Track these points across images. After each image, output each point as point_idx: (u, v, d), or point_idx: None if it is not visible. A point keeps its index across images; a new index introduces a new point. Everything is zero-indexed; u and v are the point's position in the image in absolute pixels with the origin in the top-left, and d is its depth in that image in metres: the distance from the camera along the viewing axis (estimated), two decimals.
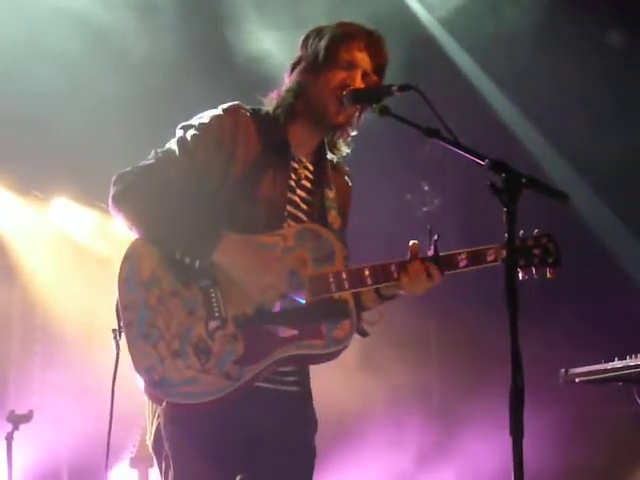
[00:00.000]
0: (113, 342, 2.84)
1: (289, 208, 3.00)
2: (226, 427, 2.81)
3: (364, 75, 2.99)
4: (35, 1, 6.29)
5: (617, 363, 4.87)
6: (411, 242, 2.97)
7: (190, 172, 2.87)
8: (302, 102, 3.01)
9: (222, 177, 2.91)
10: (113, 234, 7.24)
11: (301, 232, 2.93)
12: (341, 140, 3.11)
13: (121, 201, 2.84)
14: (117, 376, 2.95)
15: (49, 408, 7.10)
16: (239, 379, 2.74)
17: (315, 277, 2.86)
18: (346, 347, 2.87)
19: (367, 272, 2.91)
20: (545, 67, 7.29)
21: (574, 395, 6.67)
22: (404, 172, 8.03)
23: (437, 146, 2.71)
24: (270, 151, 2.98)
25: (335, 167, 3.19)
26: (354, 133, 3.10)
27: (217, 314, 2.78)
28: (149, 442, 2.92)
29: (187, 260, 2.78)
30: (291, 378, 2.97)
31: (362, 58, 2.99)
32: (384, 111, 2.85)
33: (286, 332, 2.81)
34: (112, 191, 2.85)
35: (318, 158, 3.12)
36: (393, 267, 2.93)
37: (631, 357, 4.88)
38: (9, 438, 5.62)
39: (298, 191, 3.04)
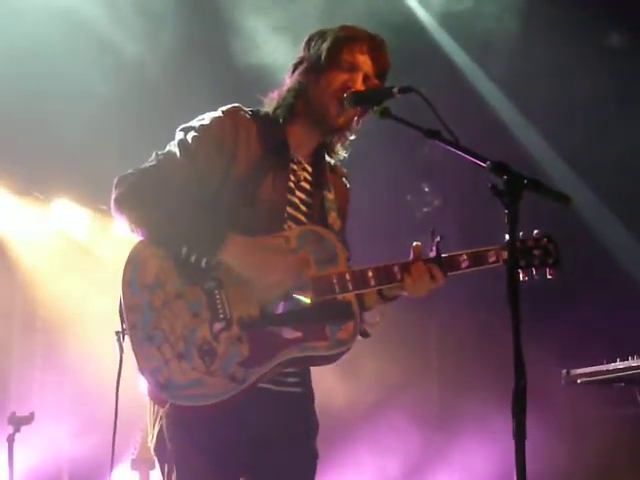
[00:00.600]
0: (117, 344, 2.84)
1: (289, 210, 3.00)
2: (229, 429, 2.81)
3: (365, 78, 2.99)
4: (36, 2, 6.28)
5: (619, 364, 4.87)
6: (414, 243, 2.98)
7: (191, 174, 2.87)
8: (302, 102, 3.02)
9: (223, 178, 2.91)
10: (114, 236, 7.24)
11: (303, 234, 2.93)
12: (339, 144, 3.11)
13: (123, 203, 2.84)
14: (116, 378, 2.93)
15: (50, 410, 7.09)
16: (244, 381, 2.74)
17: (318, 278, 2.86)
18: (349, 349, 2.87)
19: (370, 273, 2.91)
20: (545, 67, 7.29)
21: (576, 396, 6.66)
22: (404, 173, 8.04)
23: (437, 147, 2.71)
24: (270, 152, 2.98)
25: (333, 169, 3.20)
26: (352, 137, 3.10)
27: (222, 316, 2.78)
28: (151, 444, 2.92)
29: (193, 258, 2.78)
30: (293, 379, 2.97)
31: (364, 61, 3.00)
32: (385, 113, 2.85)
33: (290, 334, 2.81)
34: (114, 193, 2.85)
35: (316, 160, 3.12)
36: (396, 268, 2.94)
37: (633, 358, 4.88)
38: (10, 440, 5.62)
39: (297, 193, 3.05)
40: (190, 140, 2.91)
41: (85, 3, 6.44)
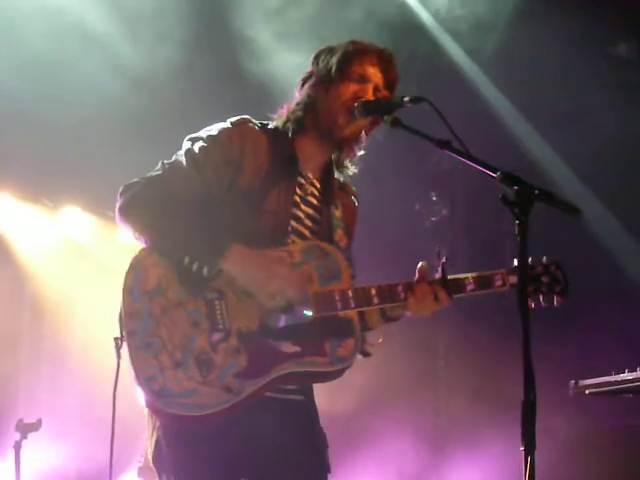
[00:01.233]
0: (114, 350, 2.85)
1: (293, 223, 2.99)
2: (227, 439, 2.79)
3: (375, 89, 3.00)
4: (47, 15, 6.28)
5: (628, 375, 4.84)
6: (419, 264, 2.97)
7: (197, 184, 2.88)
8: (311, 115, 3.02)
9: (228, 189, 2.90)
10: (122, 243, 7.25)
11: (308, 249, 2.92)
12: (348, 159, 3.10)
13: (128, 211, 2.84)
14: (125, 385, 2.93)
15: (58, 417, 7.10)
16: (239, 394, 2.73)
17: (321, 294, 2.85)
18: (350, 366, 2.86)
19: (374, 291, 2.90)
20: (548, 73, 7.29)
21: (584, 407, 6.63)
22: (413, 182, 8.03)
23: (445, 156, 2.70)
24: (278, 165, 2.98)
25: (342, 186, 3.19)
26: (361, 152, 3.10)
27: (220, 326, 2.78)
28: (149, 455, 2.91)
29: (195, 267, 2.78)
30: (292, 387, 2.94)
31: (374, 73, 3.01)
32: (396, 123, 2.86)
33: (289, 348, 2.80)
34: (119, 202, 2.86)
35: (325, 175, 3.12)
36: (400, 287, 2.93)
37: None
38: (17, 447, 5.63)
39: (303, 207, 3.04)
40: (197, 150, 2.91)
41: (94, 12, 6.45)
